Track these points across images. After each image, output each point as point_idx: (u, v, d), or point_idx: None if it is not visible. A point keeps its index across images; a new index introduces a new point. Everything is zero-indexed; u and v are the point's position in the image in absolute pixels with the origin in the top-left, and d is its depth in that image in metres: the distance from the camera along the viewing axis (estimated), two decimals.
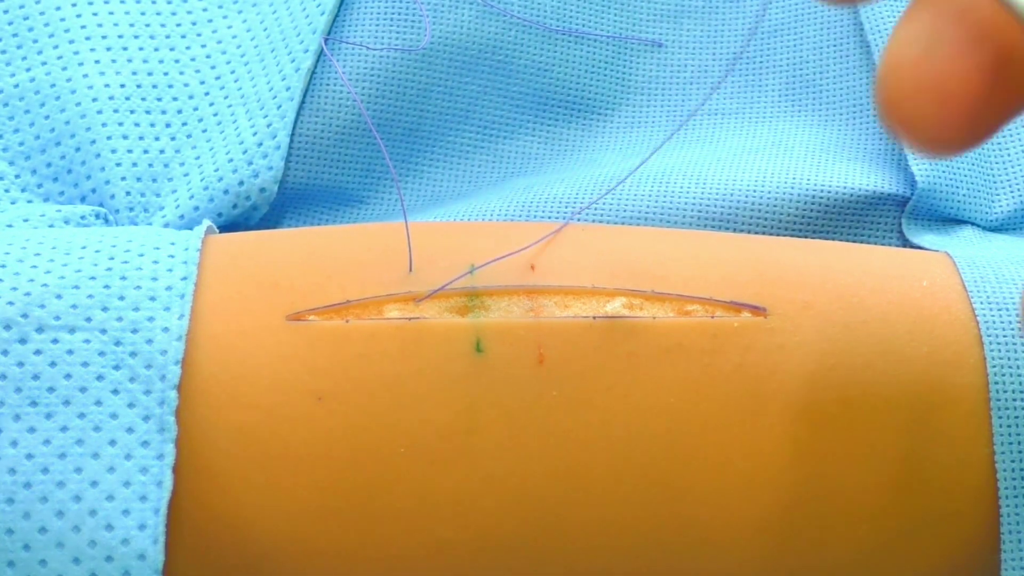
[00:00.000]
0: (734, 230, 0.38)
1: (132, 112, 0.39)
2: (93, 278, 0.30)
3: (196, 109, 0.40)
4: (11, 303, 0.29)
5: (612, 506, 0.29)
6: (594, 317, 0.30)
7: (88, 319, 0.29)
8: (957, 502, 0.30)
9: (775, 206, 0.38)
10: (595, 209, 0.38)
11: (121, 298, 0.30)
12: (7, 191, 0.38)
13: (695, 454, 0.29)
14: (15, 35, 0.40)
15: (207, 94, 0.40)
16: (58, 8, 0.40)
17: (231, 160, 0.39)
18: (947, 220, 0.39)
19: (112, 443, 0.28)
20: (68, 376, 0.29)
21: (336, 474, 0.29)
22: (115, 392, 0.29)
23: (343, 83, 0.40)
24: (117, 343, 0.29)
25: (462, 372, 0.29)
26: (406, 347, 0.29)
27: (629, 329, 0.30)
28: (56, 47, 0.40)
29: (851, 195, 0.38)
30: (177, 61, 0.41)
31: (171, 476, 0.28)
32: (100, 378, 0.29)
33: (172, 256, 0.31)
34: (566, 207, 0.38)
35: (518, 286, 0.31)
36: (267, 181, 0.39)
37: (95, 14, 0.41)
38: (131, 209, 0.38)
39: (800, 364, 0.30)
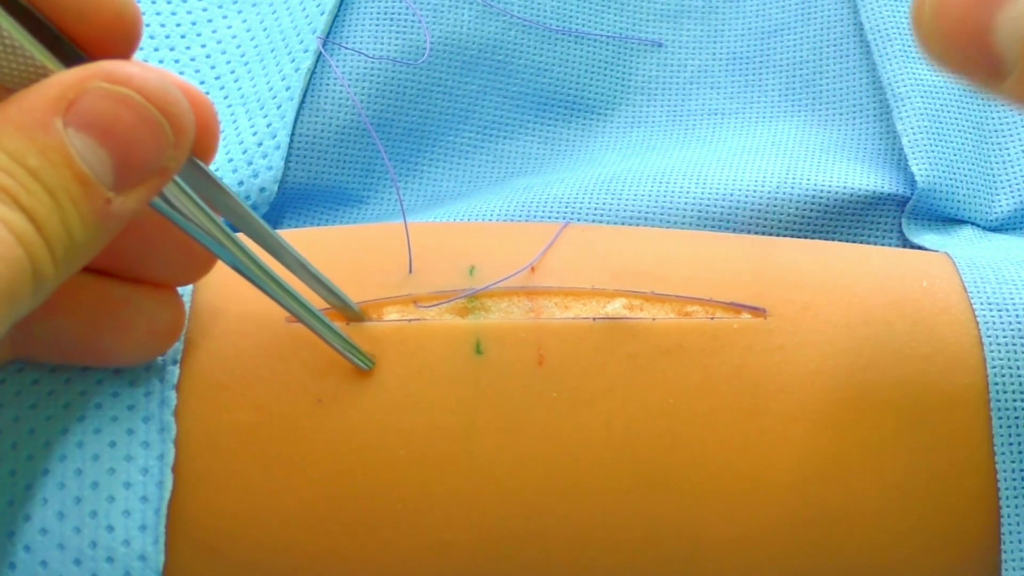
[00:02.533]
0: (734, 230, 0.38)
1: None
2: None
3: None
4: None
5: (612, 508, 0.29)
6: (594, 319, 0.30)
7: None
8: (957, 502, 0.30)
9: (775, 206, 0.38)
10: (595, 209, 0.38)
11: None
12: None
13: (695, 456, 0.29)
14: None
15: (207, 94, 0.40)
16: None
17: (231, 160, 0.39)
18: (947, 220, 0.39)
19: (112, 445, 0.28)
20: (68, 380, 0.29)
21: (335, 476, 0.29)
22: (115, 394, 0.29)
23: (342, 85, 0.40)
24: None
25: (462, 374, 0.29)
26: (406, 349, 0.29)
27: (629, 330, 0.30)
28: None
29: (851, 195, 0.38)
30: (177, 61, 0.41)
31: (171, 476, 0.28)
32: (100, 382, 0.29)
33: None
34: (566, 207, 0.38)
35: (518, 287, 0.31)
36: (267, 181, 0.39)
37: None
38: None
39: (800, 365, 0.30)
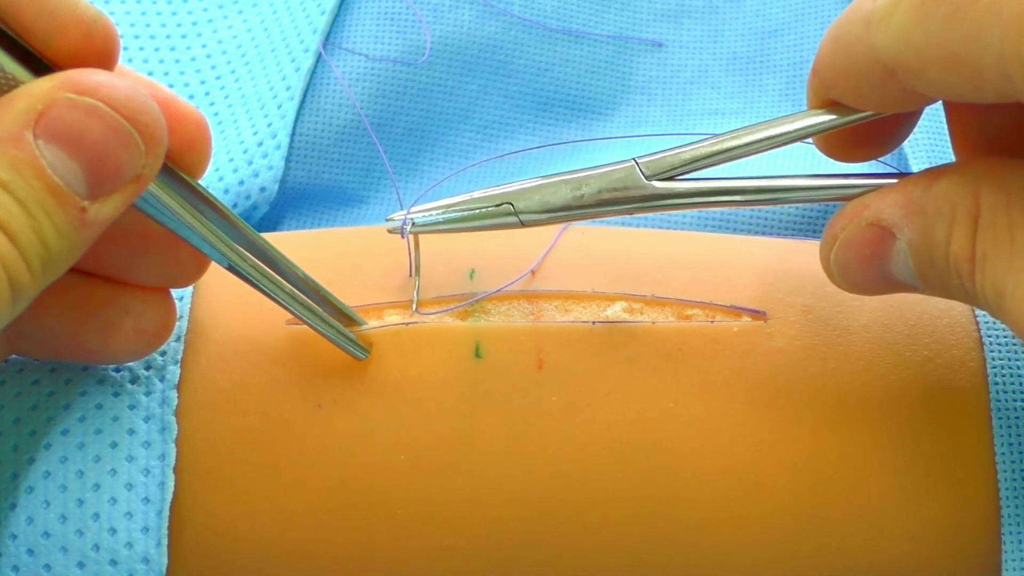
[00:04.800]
0: (734, 231, 0.38)
1: None
2: None
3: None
4: None
5: (612, 511, 0.29)
6: (593, 322, 0.30)
7: None
8: (957, 504, 0.30)
9: (775, 207, 0.38)
10: None
11: None
12: None
13: (696, 459, 0.29)
14: None
15: (207, 94, 0.40)
16: None
17: (231, 160, 0.39)
18: None
19: (113, 446, 0.28)
20: (68, 381, 0.29)
21: (336, 481, 0.29)
22: (116, 395, 0.29)
23: (342, 85, 0.40)
24: None
25: (461, 377, 0.29)
26: (405, 352, 0.29)
27: (629, 334, 0.30)
28: None
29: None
30: (177, 61, 0.41)
31: (173, 477, 0.28)
32: (101, 382, 0.29)
33: None
34: None
35: (518, 291, 0.31)
36: (267, 180, 0.39)
37: None
38: None
39: (800, 369, 0.30)
